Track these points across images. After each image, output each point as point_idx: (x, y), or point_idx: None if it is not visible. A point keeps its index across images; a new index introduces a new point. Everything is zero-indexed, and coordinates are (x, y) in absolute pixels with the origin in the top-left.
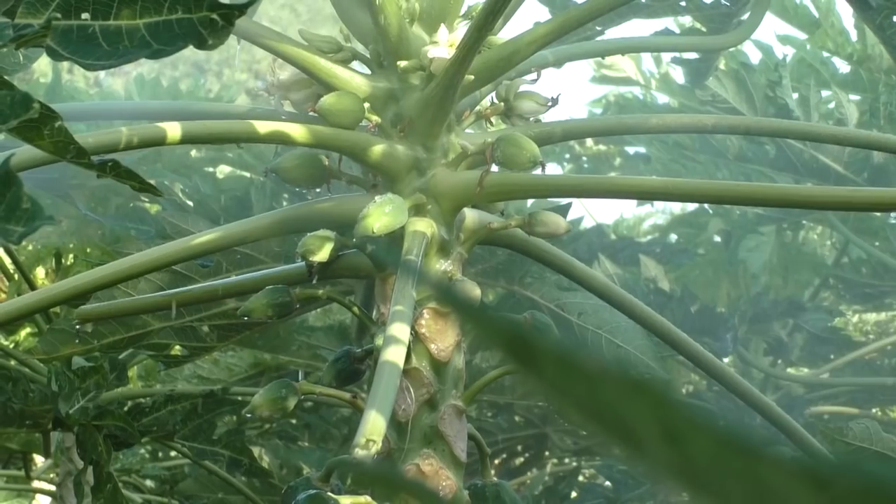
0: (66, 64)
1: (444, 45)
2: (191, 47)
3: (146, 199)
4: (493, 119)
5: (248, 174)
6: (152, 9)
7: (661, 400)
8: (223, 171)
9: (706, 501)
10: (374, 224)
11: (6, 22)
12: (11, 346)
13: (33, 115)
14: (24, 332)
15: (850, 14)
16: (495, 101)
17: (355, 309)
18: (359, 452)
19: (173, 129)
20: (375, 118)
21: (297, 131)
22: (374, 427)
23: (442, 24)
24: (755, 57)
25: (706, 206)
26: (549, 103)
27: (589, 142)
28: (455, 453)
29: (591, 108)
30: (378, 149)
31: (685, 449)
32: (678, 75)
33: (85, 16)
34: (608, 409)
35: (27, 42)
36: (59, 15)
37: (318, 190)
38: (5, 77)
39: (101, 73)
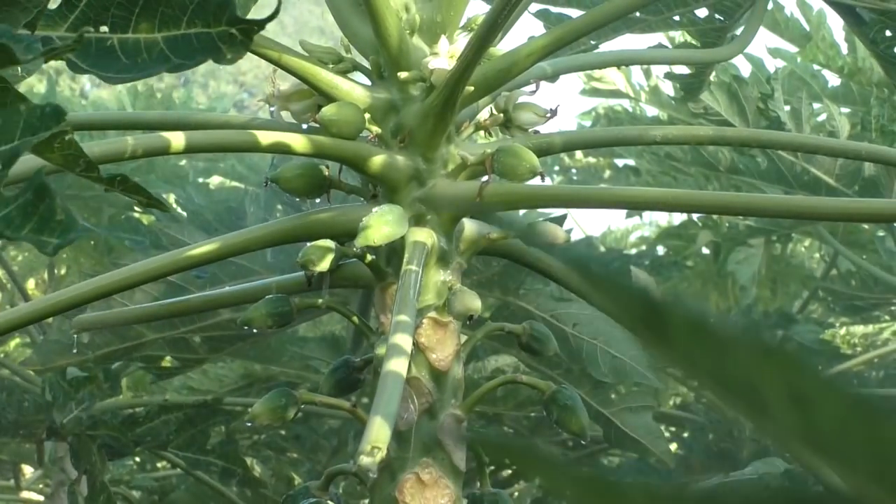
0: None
1: (444, 56)
2: None
3: (139, 210)
4: (492, 130)
5: (241, 185)
6: (171, 23)
7: (791, 365)
8: (215, 182)
9: (831, 465)
10: (375, 234)
11: (34, 36)
12: (2, 356)
13: (65, 126)
14: (15, 342)
15: (840, 27)
16: (494, 112)
17: (355, 318)
18: (364, 460)
19: (177, 139)
20: (376, 129)
21: (298, 141)
22: (378, 434)
23: (442, 36)
24: (746, 70)
25: (695, 218)
26: (548, 114)
27: (578, 154)
28: (454, 462)
29: (580, 121)
30: (378, 159)
31: (812, 413)
32: (668, 88)
33: (104, 29)
34: (738, 376)
35: (57, 55)
36: (91, 28)
37: (317, 200)
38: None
39: (87, 85)
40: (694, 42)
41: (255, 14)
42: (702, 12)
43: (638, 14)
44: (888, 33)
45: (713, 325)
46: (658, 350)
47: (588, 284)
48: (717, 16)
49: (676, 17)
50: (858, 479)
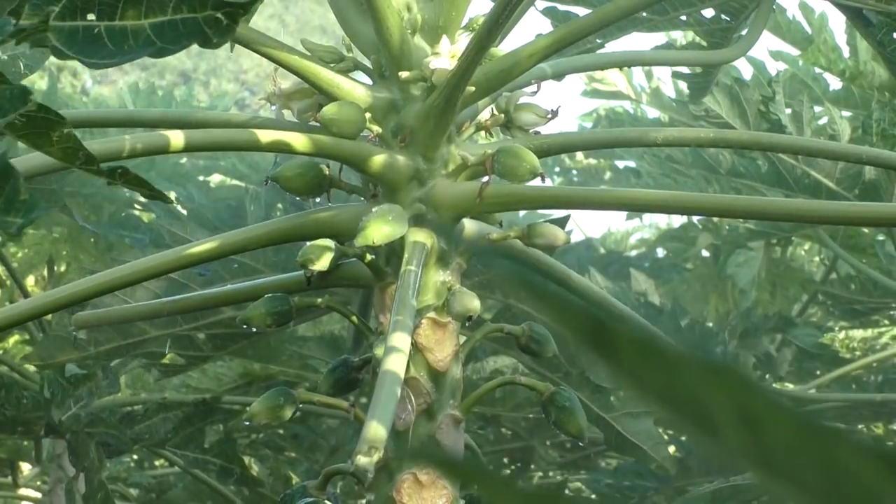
0: (53, 70)
1: (445, 56)
2: (180, 57)
3: (139, 208)
4: (492, 130)
5: (242, 183)
6: (157, 9)
7: (740, 385)
8: (216, 180)
9: (781, 486)
10: (375, 234)
11: (6, 18)
12: (1, 352)
13: (31, 107)
14: (14, 339)
15: (842, 31)
16: (495, 112)
17: (354, 318)
18: (361, 460)
19: (177, 138)
20: (376, 128)
21: (299, 140)
22: (376, 434)
23: (444, 36)
24: (747, 72)
25: (695, 220)
26: (549, 115)
27: (579, 155)
28: None
29: (581, 122)
30: (379, 159)
31: (762, 434)
32: (669, 89)
33: (90, 16)
34: (686, 395)
35: (27, 38)
36: (55, 9)
37: (317, 200)
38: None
39: (88, 82)
40: (702, 42)
41: (256, 14)
42: (708, 12)
43: (644, 14)
44: (895, 35)
45: (661, 345)
46: (606, 368)
47: (534, 301)
48: (723, 16)
49: (683, 17)
50: (809, 499)
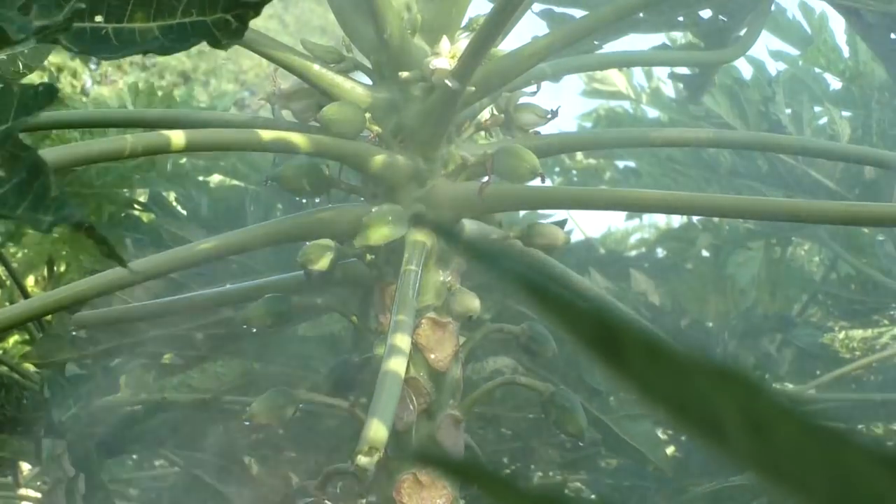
0: (53, 70)
1: (445, 56)
2: (180, 58)
3: (139, 208)
4: (492, 130)
5: (242, 183)
6: (167, 12)
7: (748, 389)
8: (215, 180)
9: (789, 491)
10: (375, 234)
11: (27, 17)
12: (0, 353)
13: (58, 105)
14: (14, 339)
15: (842, 30)
16: (495, 112)
17: (354, 318)
18: (361, 460)
19: (177, 138)
20: (376, 128)
21: (299, 140)
22: (376, 434)
23: (444, 36)
24: (747, 72)
25: (695, 220)
26: (549, 115)
27: (579, 155)
28: None
29: (580, 122)
30: (379, 159)
31: (769, 438)
32: (669, 90)
33: (99, 18)
34: (694, 400)
35: (48, 36)
36: (82, 5)
37: (317, 200)
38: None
39: (88, 82)
40: (698, 42)
41: (262, 14)
42: (705, 13)
43: (641, 15)
44: (893, 35)
45: (669, 349)
46: (612, 373)
47: (536, 303)
48: (720, 16)
49: (680, 18)
50: (816, 503)
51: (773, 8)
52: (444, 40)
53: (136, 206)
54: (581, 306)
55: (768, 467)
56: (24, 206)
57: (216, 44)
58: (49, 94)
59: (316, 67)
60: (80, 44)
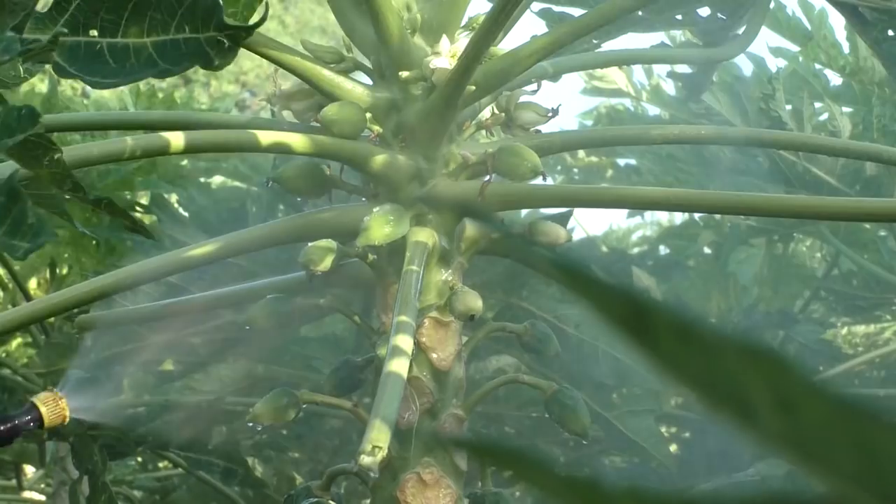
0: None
1: (445, 55)
2: None
3: (141, 210)
4: (493, 129)
5: (243, 185)
6: (160, 27)
7: (777, 368)
8: (218, 181)
9: (817, 469)
10: (376, 234)
11: (14, 36)
12: (3, 355)
13: (40, 129)
14: (16, 342)
15: (842, 27)
16: (496, 111)
17: (356, 318)
18: (364, 459)
19: (177, 139)
20: (377, 128)
21: (299, 141)
22: (379, 434)
23: (444, 35)
24: (747, 69)
25: (696, 217)
26: (550, 114)
27: (580, 153)
28: (455, 462)
29: (581, 120)
30: (380, 159)
31: (798, 417)
32: (669, 87)
33: (93, 33)
34: (723, 379)
35: (34, 56)
36: (66, 30)
37: (318, 200)
38: (3, 92)
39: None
40: (696, 41)
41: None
42: (704, 11)
43: (640, 13)
44: (891, 33)
45: (700, 328)
46: (642, 353)
47: (570, 284)
48: (719, 14)
49: (678, 16)
50: (844, 482)
51: (772, 4)
52: (444, 40)
53: (137, 208)
54: (612, 287)
55: (797, 446)
56: (1, 231)
57: (209, 64)
58: (32, 117)
59: (316, 68)
60: (75, 63)
